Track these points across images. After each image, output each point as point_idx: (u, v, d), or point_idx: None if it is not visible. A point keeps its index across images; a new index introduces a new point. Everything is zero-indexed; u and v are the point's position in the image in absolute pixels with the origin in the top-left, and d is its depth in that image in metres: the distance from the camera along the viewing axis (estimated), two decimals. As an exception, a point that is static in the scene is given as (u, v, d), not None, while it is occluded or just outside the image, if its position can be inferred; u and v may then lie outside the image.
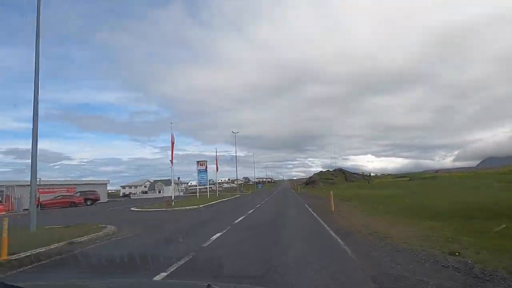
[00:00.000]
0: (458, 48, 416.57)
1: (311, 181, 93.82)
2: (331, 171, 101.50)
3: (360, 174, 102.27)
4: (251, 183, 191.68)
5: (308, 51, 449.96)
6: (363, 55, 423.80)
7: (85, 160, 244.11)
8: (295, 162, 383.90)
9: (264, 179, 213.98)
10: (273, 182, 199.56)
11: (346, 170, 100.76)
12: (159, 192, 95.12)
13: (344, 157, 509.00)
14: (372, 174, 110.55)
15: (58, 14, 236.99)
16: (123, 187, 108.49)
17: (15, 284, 1.72)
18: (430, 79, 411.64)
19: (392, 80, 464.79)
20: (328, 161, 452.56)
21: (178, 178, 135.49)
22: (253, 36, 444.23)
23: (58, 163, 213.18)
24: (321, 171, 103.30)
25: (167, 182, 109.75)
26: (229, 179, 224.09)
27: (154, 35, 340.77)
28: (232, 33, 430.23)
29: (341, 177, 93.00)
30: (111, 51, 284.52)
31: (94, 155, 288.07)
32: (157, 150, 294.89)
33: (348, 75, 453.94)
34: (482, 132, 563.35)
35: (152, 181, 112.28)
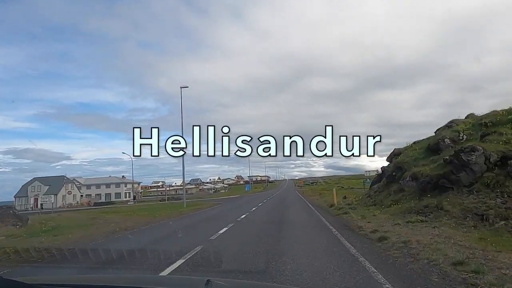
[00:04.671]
0: (476, 35, 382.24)
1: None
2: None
3: None
4: (241, 182, 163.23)
5: (313, 40, 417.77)
6: (372, 45, 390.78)
7: (86, 160, 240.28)
8: (297, 162, 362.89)
9: (259, 178, 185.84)
10: (269, 182, 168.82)
11: None
12: (35, 202, 55.47)
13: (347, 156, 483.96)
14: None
15: (51, 7, 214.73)
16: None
17: (14, 279, 1.59)
18: (444, 71, 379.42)
19: (403, 72, 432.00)
20: (330, 161, 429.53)
21: (123, 176, 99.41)
22: (253, 24, 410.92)
23: (59, 163, 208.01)
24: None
25: (57, 184, 64.79)
26: (219, 178, 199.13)
27: (148, 24, 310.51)
28: (231, 20, 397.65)
29: None
30: (105, 45, 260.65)
31: (95, 155, 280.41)
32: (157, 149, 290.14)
33: (355, 67, 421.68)
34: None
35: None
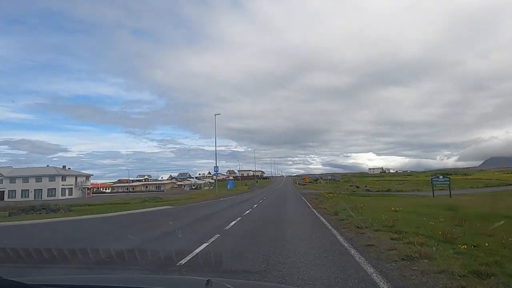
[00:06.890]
0: (484, 32, 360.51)
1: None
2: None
3: None
4: (231, 178, 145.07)
5: (314, 33, 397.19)
6: (376, 38, 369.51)
7: (84, 153, 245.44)
8: (295, 159, 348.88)
9: (252, 172, 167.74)
10: (263, 179, 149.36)
11: None
12: None
13: (345, 154, 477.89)
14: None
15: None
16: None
17: (14, 279, 1.55)
18: (448, 69, 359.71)
19: (406, 68, 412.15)
20: (328, 158, 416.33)
21: (64, 167, 77.68)
22: (253, 16, 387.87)
23: (56, 155, 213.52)
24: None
25: None
26: (209, 173, 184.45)
27: (144, 12, 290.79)
28: (230, 11, 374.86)
29: None
30: (99, 35, 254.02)
31: (92, 148, 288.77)
32: (154, 144, 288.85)
33: (358, 62, 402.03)
34: (495, 130, 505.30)
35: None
